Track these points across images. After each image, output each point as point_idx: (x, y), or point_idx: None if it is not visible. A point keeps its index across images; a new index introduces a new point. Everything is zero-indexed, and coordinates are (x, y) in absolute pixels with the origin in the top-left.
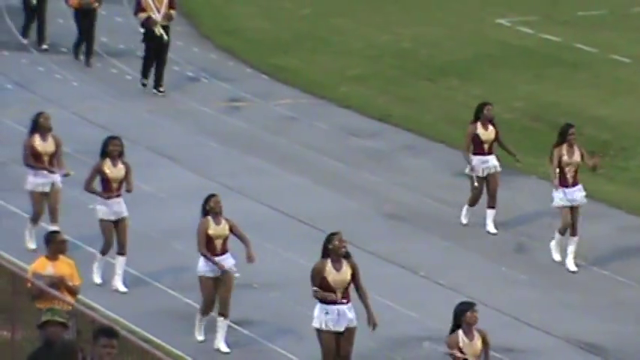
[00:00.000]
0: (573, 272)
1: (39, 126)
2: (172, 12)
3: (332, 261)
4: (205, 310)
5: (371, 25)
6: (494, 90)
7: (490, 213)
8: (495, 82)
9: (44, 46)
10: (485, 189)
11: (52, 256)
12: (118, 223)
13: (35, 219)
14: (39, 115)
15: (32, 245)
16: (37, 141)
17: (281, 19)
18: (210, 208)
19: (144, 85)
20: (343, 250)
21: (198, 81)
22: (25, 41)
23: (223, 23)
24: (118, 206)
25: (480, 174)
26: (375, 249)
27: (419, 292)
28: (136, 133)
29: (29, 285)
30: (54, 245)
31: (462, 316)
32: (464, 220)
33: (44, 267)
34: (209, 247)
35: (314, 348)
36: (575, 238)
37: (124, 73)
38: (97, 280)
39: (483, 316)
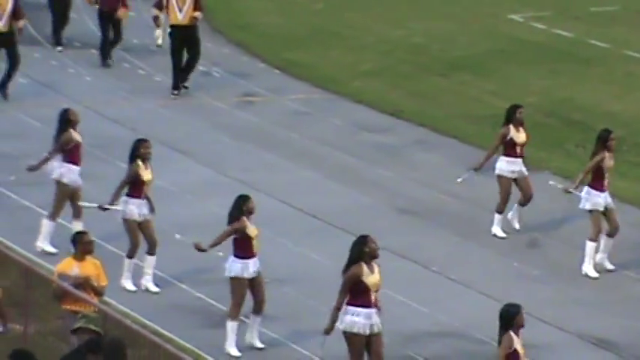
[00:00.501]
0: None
1: (73, 122)
2: (197, 14)
3: (366, 264)
4: (236, 313)
5: (383, 20)
6: (507, 85)
7: (519, 208)
8: (508, 77)
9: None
10: (520, 192)
11: (79, 256)
12: (144, 224)
13: (55, 215)
14: (68, 111)
15: (50, 247)
16: (76, 135)
17: (294, 14)
18: (248, 210)
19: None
20: (379, 251)
21: (211, 76)
22: (59, 48)
23: (236, 18)
24: (144, 207)
25: (509, 175)
26: (387, 244)
27: (431, 287)
28: (148, 127)
29: (54, 285)
30: (81, 246)
31: (514, 319)
32: (500, 233)
33: (70, 267)
34: (247, 248)
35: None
36: (612, 240)
37: (137, 67)
38: (130, 287)
39: (496, 312)
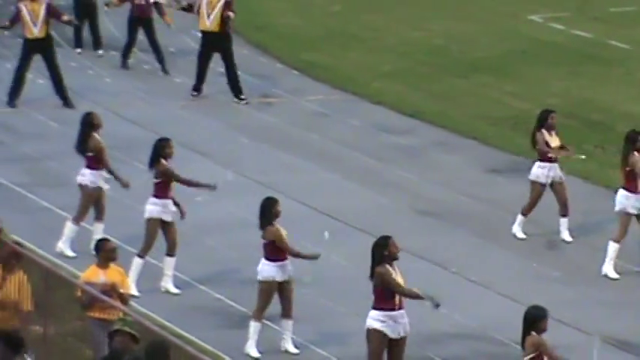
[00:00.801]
0: None
1: (96, 125)
2: (228, 13)
3: (389, 266)
4: (260, 315)
5: (403, 22)
6: (528, 87)
7: (563, 222)
8: (528, 78)
9: (100, 52)
10: (555, 197)
11: (103, 264)
12: (168, 225)
13: (80, 220)
14: (91, 115)
15: (69, 252)
16: (101, 140)
17: (312, 15)
18: (276, 213)
19: (194, 95)
20: (399, 254)
21: None
22: (78, 50)
23: (254, 19)
24: (170, 207)
25: (543, 181)
26: (406, 245)
27: (450, 288)
28: (168, 128)
29: (80, 294)
30: (104, 253)
31: (539, 322)
32: (520, 234)
33: (97, 276)
34: (280, 251)
35: (343, 343)
36: None
37: (157, 69)
38: (135, 292)
39: (515, 313)
